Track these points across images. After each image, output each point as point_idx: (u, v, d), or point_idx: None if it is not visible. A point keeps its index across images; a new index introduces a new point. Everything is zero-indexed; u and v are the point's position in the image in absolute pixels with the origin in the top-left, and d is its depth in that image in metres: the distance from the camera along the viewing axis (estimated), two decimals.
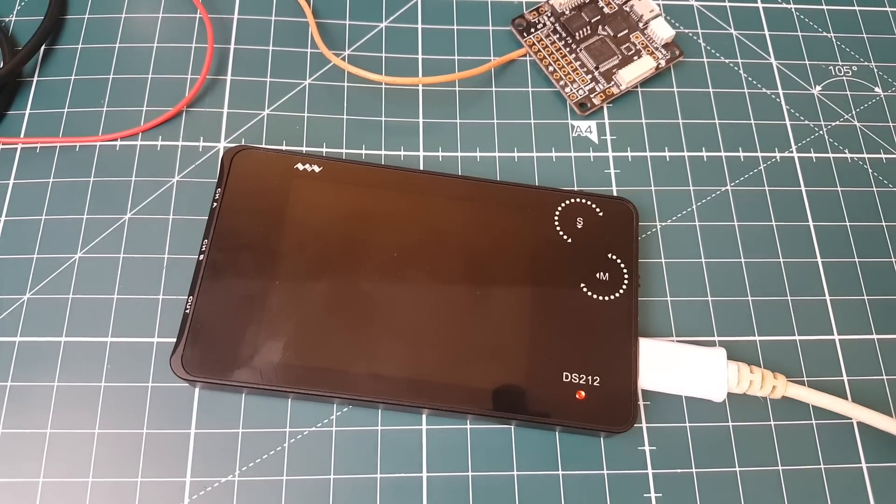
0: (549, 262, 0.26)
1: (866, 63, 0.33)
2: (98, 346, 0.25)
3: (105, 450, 0.24)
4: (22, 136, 0.28)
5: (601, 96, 0.30)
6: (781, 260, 0.28)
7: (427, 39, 0.32)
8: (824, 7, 0.34)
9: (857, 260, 0.28)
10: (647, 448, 0.25)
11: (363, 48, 0.31)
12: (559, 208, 0.27)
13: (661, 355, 0.25)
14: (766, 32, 0.33)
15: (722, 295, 0.27)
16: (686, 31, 0.33)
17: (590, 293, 0.26)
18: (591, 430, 0.24)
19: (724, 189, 0.29)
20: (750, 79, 0.32)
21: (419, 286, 0.25)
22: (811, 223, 0.29)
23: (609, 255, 0.27)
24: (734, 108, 0.31)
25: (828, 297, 0.28)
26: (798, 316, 0.27)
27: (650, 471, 0.25)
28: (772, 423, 0.26)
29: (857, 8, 0.34)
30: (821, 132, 0.31)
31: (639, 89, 0.31)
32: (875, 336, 0.27)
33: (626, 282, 0.26)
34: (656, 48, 0.31)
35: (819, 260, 0.28)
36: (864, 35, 0.33)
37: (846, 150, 0.31)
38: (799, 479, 0.25)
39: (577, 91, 0.31)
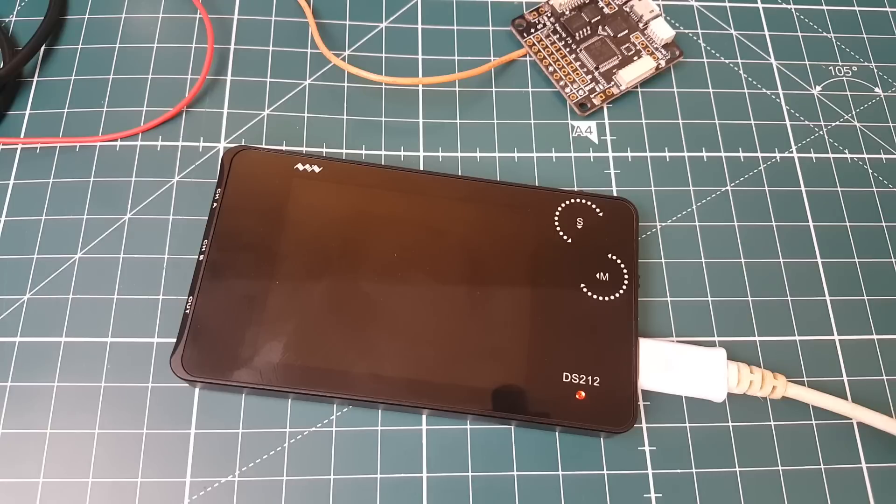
0: (549, 263, 0.26)
1: (866, 63, 0.33)
2: (98, 346, 0.25)
3: (105, 450, 0.24)
4: (22, 136, 0.28)
5: (601, 96, 0.30)
6: (781, 260, 0.28)
7: (427, 39, 0.32)
8: (824, 7, 0.34)
9: (857, 260, 0.28)
10: (647, 448, 0.25)
11: (363, 48, 0.31)
12: (559, 208, 0.27)
13: (661, 355, 0.25)
14: (766, 32, 0.33)
15: (722, 295, 0.27)
16: (686, 31, 0.33)
17: (590, 293, 0.26)
18: (591, 431, 0.24)
19: (724, 189, 0.29)
20: (750, 79, 0.32)
21: (419, 286, 0.25)
22: (811, 223, 0.29)
23: (609, 256, 0.27)
24: (734, 109, 0.31)
25: (828, 297, 0.28)
26: (798, 316, 0.27)
27: (650, 471, 0.25)
28: (772, 423, 0.26)
29: (857, 8, 0.34)
30: (821, 132, 0.31)
31: (639, 89, 0.31)
32: (875, 336, 0.27)
33: (626, 282, 0.26)
34: (656, 48, 0.31)
35: (819, 260, 0.28)
36: (864, 35, 0.33)
37: (846, 151, 0.31)
38: (799, 479, 0.25)
39: (577, 91, 0.31)
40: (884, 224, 0.29)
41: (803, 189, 0.30)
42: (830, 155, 0.30)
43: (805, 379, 0.26)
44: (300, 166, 0.27)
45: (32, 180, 0.28)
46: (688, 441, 0.25)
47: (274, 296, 0.25)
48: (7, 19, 0.31)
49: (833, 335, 0.27)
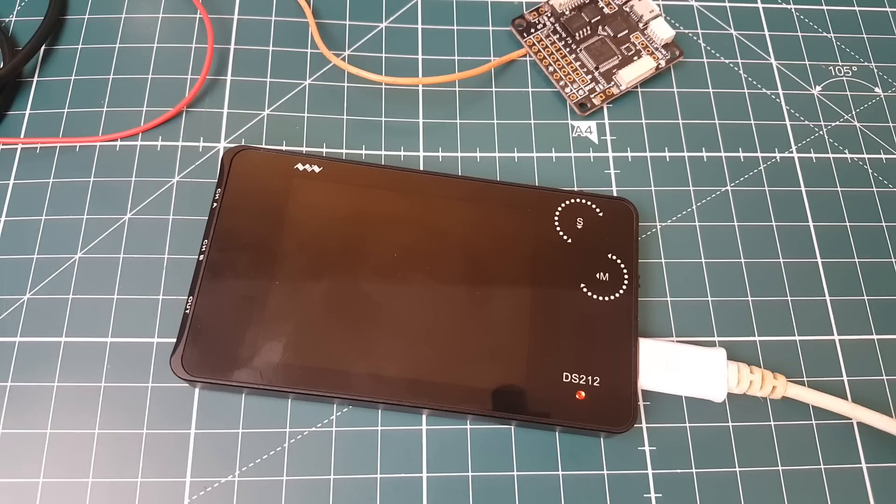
0: (549, 263, 0.26)
1: (866, 63, 0.33)
2: (98, 346, 0.25)
3: (105, 450, 0.24)
4: (22, 136, 0.28)
5: (601, 96, 0.30)
6: (781, 260, 0.28)
7: (427, 39, 0.32)
8: (824, 7, 0.34)
9: (857, 260, 0.28)
10: (647, 448, 0.25)
11: (363, 48, 0.31)
12: (559, 208, 0.27)
13: (661, 355, 0.25)
14: (766, 32, 0.33)
15: (722, 295, 0.27)
16: (686, 31, 0.33)
17: (590, 293, 0.26)
18: (591, 431, 0.24)
19: (724, 189, 0.29)
20: (750, 79, 0.32)
21: (419, 286, 0.25)
22: (811, 223, 0.29)
23: (609, 256, 0.27)
24: (734, 109, 0.31)
25: (828, 297, 0.28)
26: (798, 316, 0.27)
27: (650, 471, 0.25)
28: (772, 423, 0.26)
29: (857, 8, 0.34)
30: (821, 132, 0.31)
31: (639, 89, 0.31)
32: (875, 336, 0.27)
33: (626, 282, 0.26)
34: (656, 48, 0.31)
35: (819, 260, 0.28)
36: (864, 35, 0.33)
37: (846, 151, 0.31)
38: (799, 479, 0.25)
39: (577, 91, 0.31)
40: (884, 224, 0.29)
41: (803, 189, 0.30)
42: (830, 155, 0.30)
43: (805, 379, 0.26)
44: (300, 166, 0.27)
45: (32, 180, 0.28)
46: (688, 441, 0.25)
47: (274, 296, 0.25)
48: (7, 19, 0.31)
49: (833, 335, 0.27)
